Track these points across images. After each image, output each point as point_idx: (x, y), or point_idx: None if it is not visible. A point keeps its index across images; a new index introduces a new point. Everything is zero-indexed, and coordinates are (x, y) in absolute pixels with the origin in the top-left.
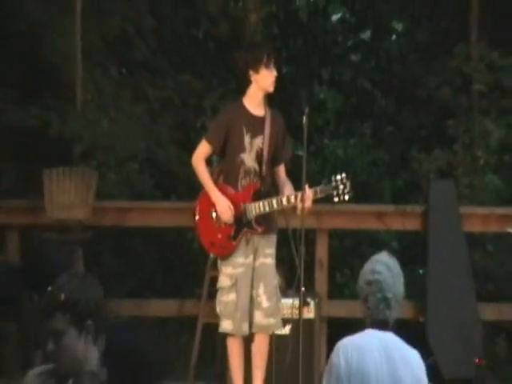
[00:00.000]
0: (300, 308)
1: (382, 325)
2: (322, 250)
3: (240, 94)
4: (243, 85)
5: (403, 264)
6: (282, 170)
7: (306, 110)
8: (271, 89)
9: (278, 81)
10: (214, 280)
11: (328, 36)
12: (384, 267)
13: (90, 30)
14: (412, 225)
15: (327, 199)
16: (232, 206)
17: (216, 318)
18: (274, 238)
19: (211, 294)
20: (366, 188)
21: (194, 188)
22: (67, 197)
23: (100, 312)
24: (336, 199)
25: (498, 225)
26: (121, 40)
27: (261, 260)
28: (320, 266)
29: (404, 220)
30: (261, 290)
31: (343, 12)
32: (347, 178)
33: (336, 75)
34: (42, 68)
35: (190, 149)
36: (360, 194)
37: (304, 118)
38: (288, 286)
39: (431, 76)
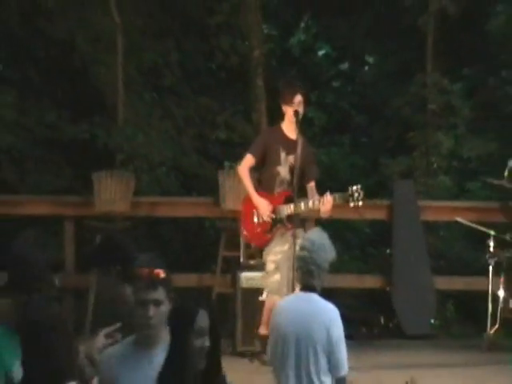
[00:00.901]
0: (293, 279)
1: (308, 289)
2: None
3: (246, 114)
4: (249, 106)
5: (373, 245)
6: (312, 185)
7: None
8: (293, 120)
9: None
10: (226, 258)
11: (315, 67)
12: (310, 244)
13: (128, 64)
14: (380, 215)
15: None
16: (270, 204)
17: (227, 288)
18: (302, 231)
19: (223, 269)
20: (344, 186)
21: (210, 187)
22: (111, 194)
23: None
24: (351, 204)
25: (448, 215)
26: (152, 71)
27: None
28: None
29: (374, 211)
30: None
31: (327, 48)
32: (361, 188)
33: (321, 98)
34: (91, 93)
35: (208, 156)
36: (340, 191)
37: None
38: None
39: (396, 98)
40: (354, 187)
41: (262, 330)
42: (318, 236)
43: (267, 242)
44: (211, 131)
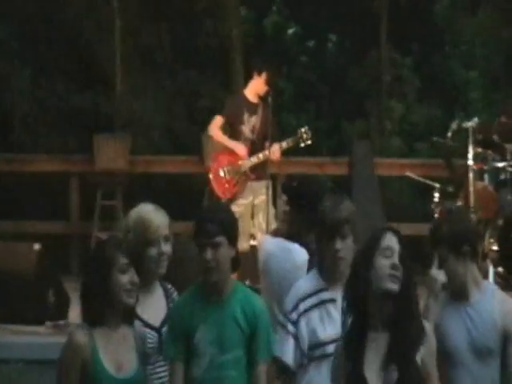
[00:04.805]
0: (267, 225)
1: (291, 238)
2: (280, 188)
3: (227, 85)
4: (229, 78)
5: None
6: (267, 144)
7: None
8: (260, 92)
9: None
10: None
11: (285, 45)
12: None
13: (126, 43)
14: (341, 170)
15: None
16: (245, 147)
17: None
18: (266, 182)
19: None
20: (310, 146)
21: (196, 147)
22: (111, 153)
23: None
24: (302, 145)
25: (399, 170)
26: (147, 49)
27: (259, 198)
28: (279, 197)
29: (336, 167)
30: (261, 218)
31: (296, 28)
32: (309, 129)
33: (291, 71)
34: (94, 68)
35: (194, 121)
36: (306, 151)
37: (269, 98)
38: None
39: (354, 71)
40: (302, 129)
41: None
42: None
43: (236, 195)
44: (197, 100)
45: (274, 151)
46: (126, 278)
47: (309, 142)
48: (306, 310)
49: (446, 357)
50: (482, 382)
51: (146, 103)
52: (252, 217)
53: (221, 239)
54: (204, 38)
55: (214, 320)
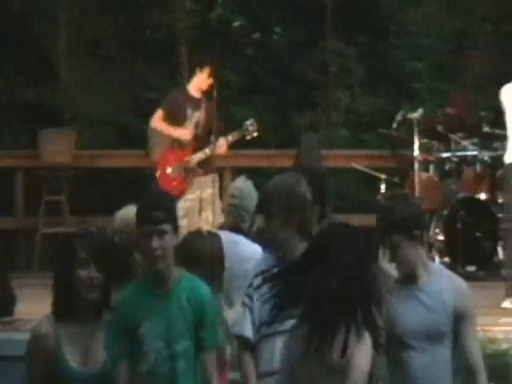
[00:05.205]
0: (214, 218)
1: (238, 231)
2: (227, 181)
3: (172, 77)
4: (175, 70)
5: None
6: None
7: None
8: (203, 87)
9: None
10: None
11: (231, 37)
12: (239, 192)
13: (71, 36)
14: (289, 162)
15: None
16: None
17: None
18: (213, 176)
19: None
20: (258, 139)
21: (144, 140)
22: (56, 148)
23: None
24: (248, 137)
25: (346, 162)
26: (92, 42)
27: (207, 191)
28: (225, 191)
29: (283, 159)
30: (208, 212)
31: (241, 20)
32: (254, 121)
33: (237, 63)
34: (40, 62)
35: (141, 114)
36: (254, 144)
37: (214, 92)
38: None
39: (300, 62)
40: (248, 122)
41: None
42: (244, 184)
43: (185, 191)
44: (144, 93)
45: (221, 145)
46: (85, 273)
47: (255, 135)
48: (259, 286)
49: (396, 340)
50: (434, 362)
51: (92, 96)
52: (200, 211)
53: (167, 227)
54: (151, 30)
55: (159, 313)
